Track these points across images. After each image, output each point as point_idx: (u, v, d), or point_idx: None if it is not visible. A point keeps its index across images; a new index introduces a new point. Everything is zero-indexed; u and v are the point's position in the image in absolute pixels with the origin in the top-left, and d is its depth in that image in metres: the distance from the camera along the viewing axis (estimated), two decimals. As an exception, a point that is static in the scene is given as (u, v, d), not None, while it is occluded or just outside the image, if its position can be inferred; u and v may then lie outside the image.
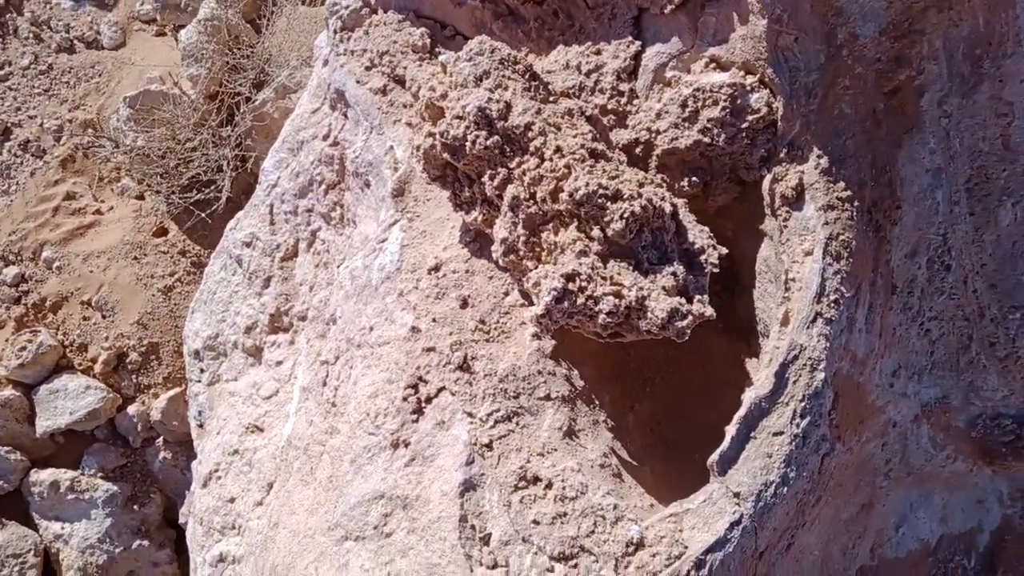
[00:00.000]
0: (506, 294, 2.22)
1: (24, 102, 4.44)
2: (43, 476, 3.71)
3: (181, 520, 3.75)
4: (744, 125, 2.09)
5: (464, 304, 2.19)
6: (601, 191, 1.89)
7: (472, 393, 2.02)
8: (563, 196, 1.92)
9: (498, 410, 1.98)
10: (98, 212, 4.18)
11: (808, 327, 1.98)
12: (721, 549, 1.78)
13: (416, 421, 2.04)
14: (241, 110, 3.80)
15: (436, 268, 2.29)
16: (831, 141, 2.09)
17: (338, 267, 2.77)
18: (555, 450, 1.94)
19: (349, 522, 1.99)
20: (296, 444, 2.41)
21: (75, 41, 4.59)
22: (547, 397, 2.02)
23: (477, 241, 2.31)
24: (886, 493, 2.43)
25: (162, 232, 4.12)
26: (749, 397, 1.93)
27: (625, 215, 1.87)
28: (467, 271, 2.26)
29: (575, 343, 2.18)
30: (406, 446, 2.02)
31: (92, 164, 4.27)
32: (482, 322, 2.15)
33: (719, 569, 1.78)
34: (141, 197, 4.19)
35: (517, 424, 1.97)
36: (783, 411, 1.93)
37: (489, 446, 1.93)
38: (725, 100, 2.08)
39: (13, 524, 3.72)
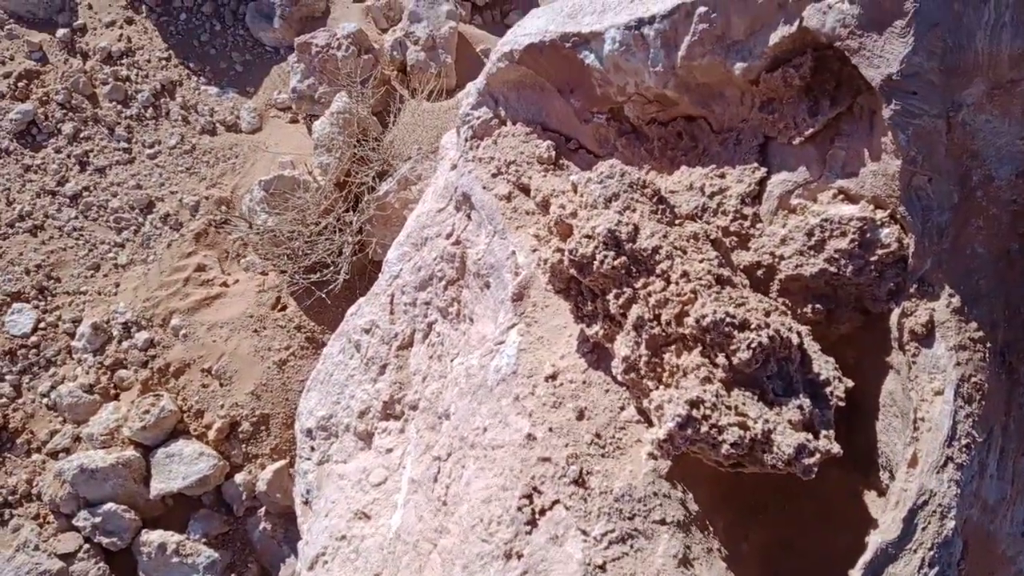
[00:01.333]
0: (622, 408, 2.25)
1: (168, 179, 4.85)
2: (153, 537, 3.89)
3: (276, 592, 3.85)
4: (873, 258, 2.10)
5: (580, 416, 2.23)
6: (728, 319, 1.92)
7: (587, 510, 2.04)
8: (688, 321, 1.96)
9: (613, 531, 1.99)
10: (224, 285, 4.48)
11: (938, 472, 1.93)
12: None
13: (529, 533, 2.07)
14: (365, 199, 4.04)
15: (553, 376, 2.35)
16: (963, 280, 2.07)
17: (452, 361, 2.88)
18: (669, 577, 1.93)
19: (459, 629, 2.01)
20: (405, 539, 2.47)
21: (217, 124, 5.02)
22: (662, 521, 2.02)
23: (594, 352, 2.37)
24: (1017, 648, 2.27)
25: (281, 307, 4.36)
26: (875, 541, 1.88)
27: (752, 345, 1.90)
28: (584, 382, 2.31)
29: (690, 464, 2.18)
30: (519, 558, 2.04)
31: (223, 239, 4.60)
32: (598, 436, 2.19)
33: None
34: (265, 273, 4.47)
35: (631, 547, 1.98)
36: (911, 559, 1.86)
37: (603, 568, 1.94)
38: (854, 232, 2.09)
39: (122, 580, 3.90)
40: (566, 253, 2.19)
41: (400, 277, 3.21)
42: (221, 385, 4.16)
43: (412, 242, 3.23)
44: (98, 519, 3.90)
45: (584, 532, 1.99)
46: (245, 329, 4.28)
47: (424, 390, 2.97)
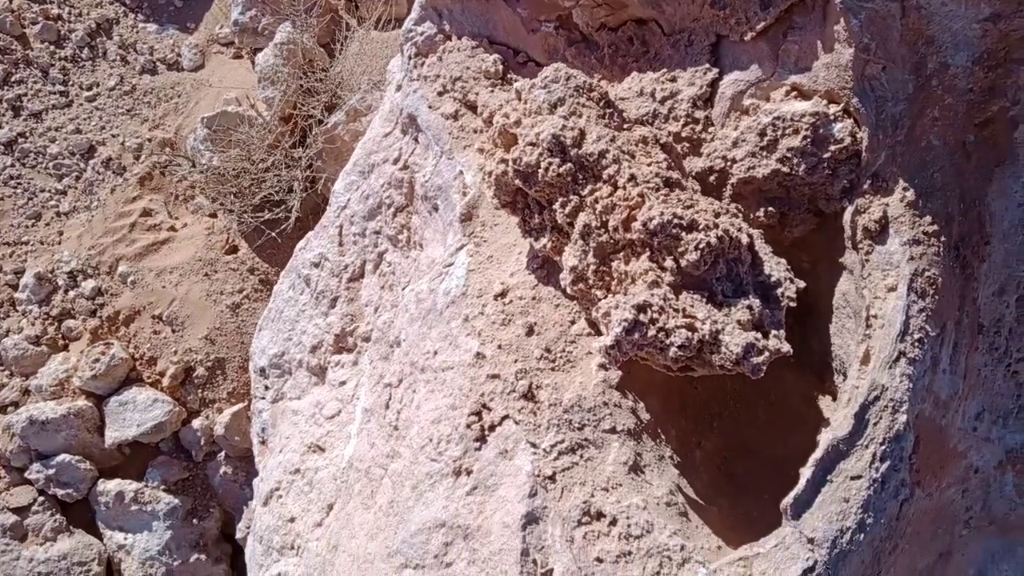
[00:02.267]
0: (573, 322, 2.19)
1: (108, 122, 4.64)
2: (110, 486, 3.81)
3: (238, 535, 3.81)
4: (826, 155, 2.03)
5: (530, 331, 2.17)
6: (676, 221, 1.85)
7: (536, 423, 1.98)
8: (636, 225, 1.89)
9: (562, 441, 1.94)
10: (172, 229, 4.32)
11: (890, 367, 1.90)
12: (795, 598, 1.70)
13: (479, 449, 2.02)
14: (313, 132, 3.89)
15: (502, 294, 2.27)
16: (918, 173, 2.01)
17: (403, 289, 2.79)
18: (620, 485, 1.89)
19: (409, 549, 1.97)
20: (357, 466, 2.42)
21: (157, 63, 4.79)
22: (612, 430, 1.98)
23: (544, 268, 2.30)
24: (965, 543, 2.30)
25: (233, 250, 4.23)
26: (826, 438, 1.85)
27: (700, 246, 1.83)
28: (534, 298, 2.24)
29: (641, 374, 2.13)
30: (468, 474, 1.99)
31: (169, 182, 4.43)
32: (548, 350, 2.13)
33: (793, 619, 1.70)
34: (214, 215, 4.32)
35: (581, 457, 1.93)
36: (862, 454, 1.84)
37: (552, 478, 1.89)
38: (807, 129, 2.02)
39: (80, 532, 3.82)
40: (510, 163, 2.09)
41: (348, 207, 3.10)
42: (173, 331, 4.04)
43: (359, 170, 3.11)
44: (52, 471, 3.80)
45: (533, 445, 1.94)
46: (196, 273, 4.15)
47: (376, 321, 2.89)
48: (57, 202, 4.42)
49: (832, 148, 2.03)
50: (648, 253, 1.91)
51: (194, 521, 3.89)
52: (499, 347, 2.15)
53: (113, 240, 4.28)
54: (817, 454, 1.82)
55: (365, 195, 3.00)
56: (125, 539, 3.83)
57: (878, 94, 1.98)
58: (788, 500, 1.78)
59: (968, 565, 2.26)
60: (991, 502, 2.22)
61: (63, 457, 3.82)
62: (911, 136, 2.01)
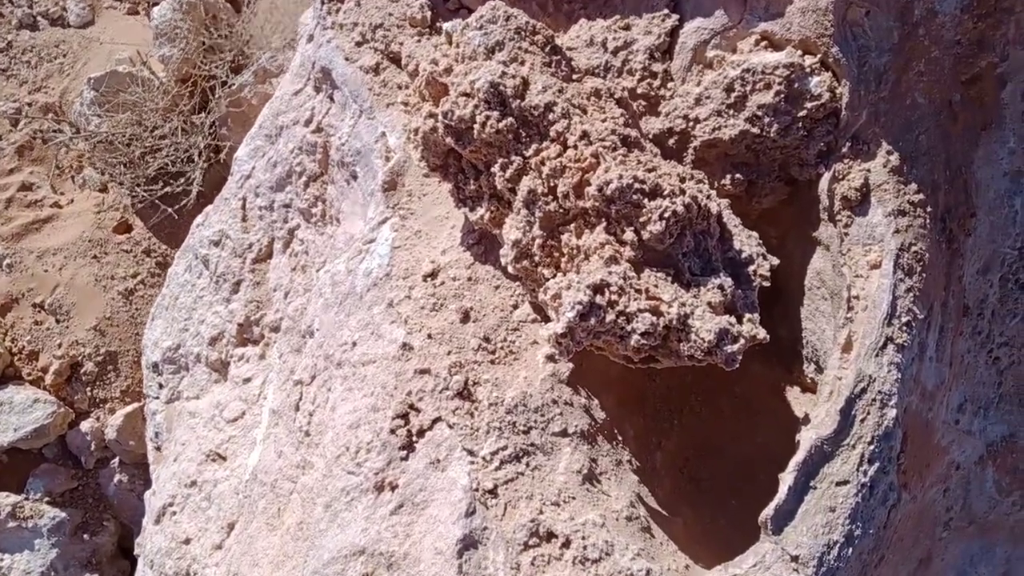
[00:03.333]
0: (515, 307, 1.88)
1: (-21, 84, 4.05)
2: (-19, 499, 3.32)
3: (137, 551, 3.37)
4: (801, 114, 1.78)
5: (465, 318, 1.85)
6: (637, 185, 1.56)
7: (474, 426, 1.67)
8: (590, 191, 1.59)
9: (505, 448, 1.64)
10: (56, 205, 3.80)
11: (877, 355, 1.66)
12: (779, 627, 1.45)
13: (405, 459, 1.69)
14: (216, 95, 3.44)
15: (433, 275, 1.95)
16: (902, 136, 1.78)
17: (317, 271, 2.43)
18: (573, 498, 1.60)
19: (321, 581, 1.63)
20: (262, 479, 2.06)
21: (38, 17, 4.21)
22: (563, 432, 1.69)
23: (482, 244, 1.98)
24: (945, 545, 2.11)
25: (126, 228, 3.74)
26: (808, 438, 1.60)
27: (666, 215, 1.55)
28: (469, 279, 1.92)
29: (596, 367, 1.85)
30: (392, 489, 1.67)
31: (52, 152, 3.89)
32: (486, 340, 1.82)
33: (776, 652, 1.45)
34: (104, 190, 3.81)
35: (527, 465, 1.63)
36: (849, 455, 1.60)
37: (493, 492, 1.59)
38: (779, 83, 1.76)
39: (-55, 553, 3.32)
40: (440, 118, 1.76)
41: (253, 177, 2.70)
42: (57, 321, 3.54)
43: (265, 134, 2.71)
44: (-90, 484, 3.28)
45: (471, 452, 1.63)
46: (83, 256, 3.65)
47: (287, 308, 2.51)
48: (-84, 174, 3.83)
49: (808, 105, 1.78)
50: (604, 224, 1.61)
51: (84, 536, 3.43)
52: (429, 337, 1.83)
53: (-15, 218, 3.73)
54: (799, 457, 1.58)
55: (272, 162, 2.61)
56: (1, 561, 3.34)
57: (860, 43, 1.74)
58: (768, 512, 1.53)
59: (947, 569, 2.07)
60: (971, 500, 2.04)
61: (-77, 468, 3.30)
62: (895, 92, 1.78)
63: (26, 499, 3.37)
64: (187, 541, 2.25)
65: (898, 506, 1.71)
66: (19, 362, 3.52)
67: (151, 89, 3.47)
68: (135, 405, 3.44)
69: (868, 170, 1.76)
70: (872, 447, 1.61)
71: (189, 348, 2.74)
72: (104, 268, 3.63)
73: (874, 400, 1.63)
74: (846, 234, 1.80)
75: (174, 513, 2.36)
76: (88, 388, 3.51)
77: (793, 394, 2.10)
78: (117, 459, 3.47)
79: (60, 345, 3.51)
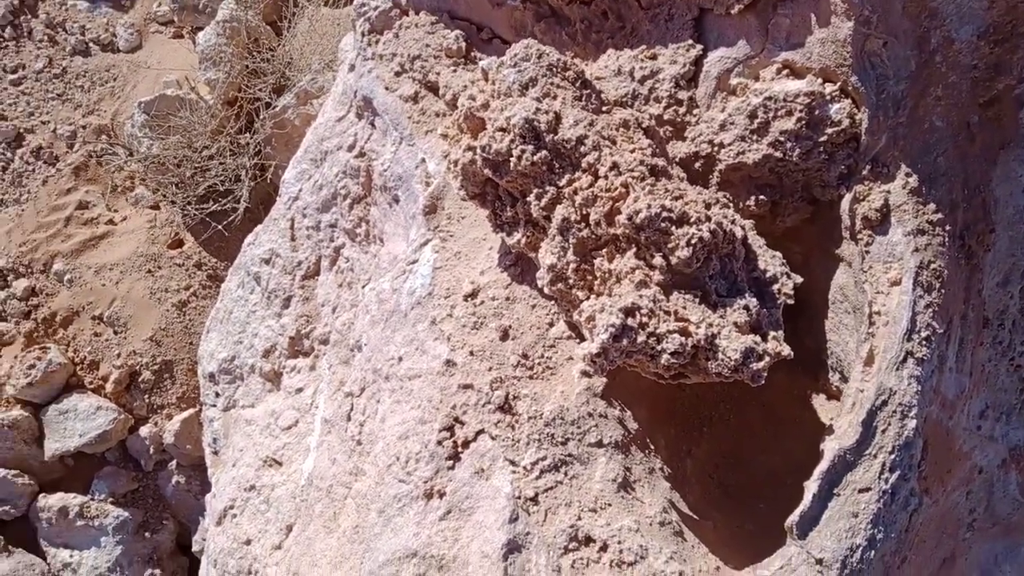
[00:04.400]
0: (551, 325, 2.01)
1: (37, 107, 4.28)
2: (51, 501, 3.54)
3: (195, 548, 3.57)
4: (822, 139, 1.87)
5: (505, 336, 1.98)
6: (665, 214, 1.67)
7: (515, 438, 1.80)
8: (620, 219, 1.70)
9: (544, 458, 1.76)
10: (111, 222, 4.01)
11: (898, 368, 1.75)
12: (804, 626, 1.55)
13: (452, 468, 1.83)
14: (260, 116, 3.61)
15: (473, 295, 2.08)
16: (921, 158, 1.86)
17: (363, 288, 2.57)
18: (609, 505, 1.73)
19: (377, 581, 1.78)
20: (318, 484, 2.21)
21: (90, 44, 4.43)
22: (599, 443, 1.81)
23: (518, 265, 2.10)
24: (968, 546, 2.19)
25: (177, 244, 3.94)
26: (831, 448, 1.70)
27: (692, 241, 1.65)
28: (507, 298, 2.05)
29: (628, 380, 1.96)
30: (441, 497, 1.80)
31: (106, 172, 4.11)
32: (525, 356, 1.94)
33: (801, 649, 1.55)
34: (156, 207, 4.02)
35: (566, 475, 1.76)
36: (871, 464, 1.70)
37: (535, 500, 1.72)
38: (801, 110, 1.85)
39: (20, 552, 3.55)
40: (478, 151, 1.88)
41: (300, 199, 2.85)
42: (115, 333, 3.76)
43: (311, 158, 2.86)
44: (-14, 488, 3.52)
45: (512, 462, 1.76)
46: (138, 270, 3.86)
47: (334, 322, 2.66)
48: (-18, 195, 4.07)
49: (828, 131, 1.87)
50: (634, 250, 1.73)
51: (146, 535, 3.64)
52: (471, 353, 1.96)
53: (47, 235, 3.96)
54: (823, 466, 1.68)
55: (318, 185, 2.76)
56: (71, 556, 3.57)
57: (879, 71, 1.82)
58: (794, 518, 1.63)
59: (970, 569, 2.15)
60: (994, 503, 2.11)
61: (-2, 472, 3.53)
62: (913, 117, 1.86)
63: (92, 499, 3.59)
64: (248, 542, 2.41)
65: (919, 511, 1.80)
66: (81, 372, 3.74)
67: (199, 111, 3.66)
68: (191, 411, 3.64)
69: (888, 191, 1.85)
70: (893, 456, 1.70)
71: (244, 359, 2.91)
72: (158, 281, 3.83)
73: (895, 412, 1.72)
74: (867, 252, 1.88)
75: (235, 516, 2.53)
76: (146, 395, 3.71)
77: (819, 401, 2.19)
78: (174, 462, 3.67)
79: (119, 355, 3.72)
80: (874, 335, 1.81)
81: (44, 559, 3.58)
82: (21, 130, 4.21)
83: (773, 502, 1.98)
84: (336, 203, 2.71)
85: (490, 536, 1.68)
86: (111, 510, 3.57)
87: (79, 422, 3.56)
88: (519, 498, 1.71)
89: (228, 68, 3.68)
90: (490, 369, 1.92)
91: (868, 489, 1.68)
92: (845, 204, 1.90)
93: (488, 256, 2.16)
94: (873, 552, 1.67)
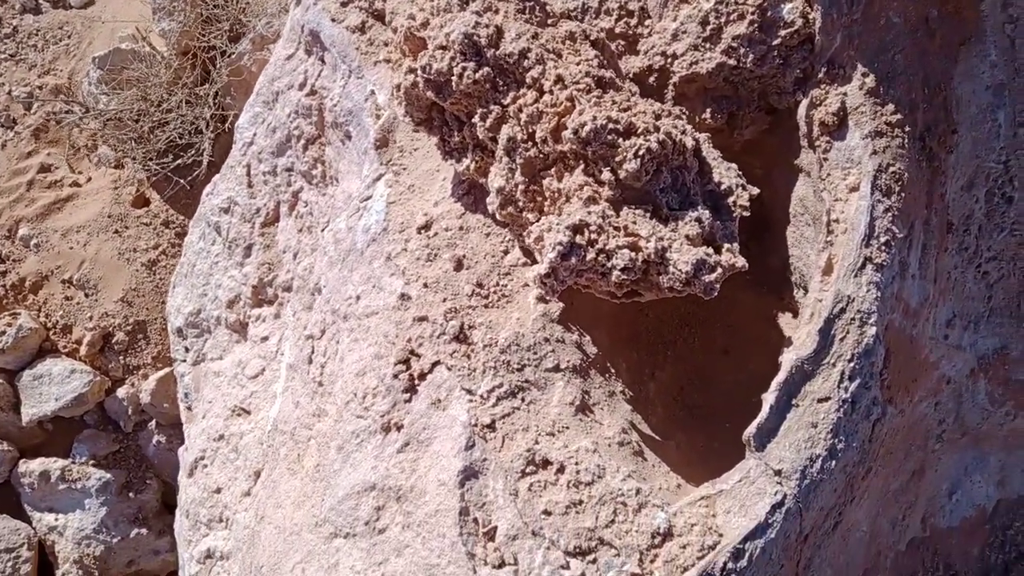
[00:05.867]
0: (505, 252, 1.96)
1: (-9, 70, 4.16)
2: (32, 466, 3.53)
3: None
4: (775, 42, 1.79)
5: (459, 266, 1.93)
6: (611, 126, 1.60)
7: (471, 367, 1.77)
8: (566, 134, 1.64)
9: (500, 385, 1.73)
10: (75, 184, 3.93)
11: (856, 275, 1.71)
12: (762, 535, 1.54)
13: (409, 401, 1.80)
14: (217, 65, 3.50)
15: (426, 226, 2.02)
16: (877, 57, 1.79)
17: (322, 231, 2.52)
18: (567, 428, 1.70)
19: (338, 517, 1.76)
20: (282, 428, 2.19)
21: (40, 2, 4.29)
22: (556, 368, 1.77)
23: (471, 194, 2.04)
24: (938, 457, 2.18)
25: (143, 202, 3.86)
26: (789, 359, 1.67)
27: (640, 153, 1.59)
28: (461, 228, 1.99)
29: (586, 305, 1.92)
30: (398, 430, 1.78)
31: (66, 133, 4.00)
32: (479, 285, 1.89)
33: (760, 558, 1.54)
34: (120, 166, 3.93)
35: (523, 400, 1.72)
36: (829, 373, 1.66)
37: (491, 427, 1.69)
38: (753, 13, 1.78)
39: (5, 517, 3.55)
40: (419, 72, 1.81)
41: (254, 143, 2.77)
42: (86, 295, 3.70)
43: (263, 100, 2.77)
44: (-35, 456, 3.50)
45: (469, 391, 1.73)
46: (105, 231, 3.78)
47: (296, 268, 2.61)
48: (-60, 162, 3.98)
49: (782, 33, 1.79)
50: (582, 166, 1.67)
51: (130, 495, 3.64)
52: (425, 286, 1.91)
53: (9, 201, 3.87)
54: (780, 377, 1.64)
55: (272, 128, 2.68)
56: (56, 520, 3.57)
57: (832, -33, 1.74)
58: (751, 430, 1.61)
59: (941, 480, 2.14)
60: (964, 413, 2.09)
61: (-24, 440, 3.52)
62: (868, 14, 1.78)
63: (73, 463, 3.58)
64: (218, 490, 2.40)
65: (883, 420, 1.77)
66: (54, 336, 3.70)
67: (154, 64, 3.54)
68: (166, 370, 3.60)
69: (844, 94, 1.78)
70: (852, 364, 1.67)
71: (209, 312, 2.86)
72: (126, 242, 3.76)
73: (853, 319, 1.68)
74: (825, 159, 1.82)
75: (205, 466, 2.51)
76: (121, 356, 3.68)
77: (785, 320, 2.15)
78: (154, 421, 3.65)
79: (91, 318, 3.68)
80: (832, 244, 1.76)
81: (29, 523, 3.58)
82: (-25, 94, 4.09)
83: (739, 421, 1.96)
84: (291, 145, 2.63)
85: (447, 464, 1.66)
86: (93, 472, 3.57)
87: (54, 386, 3.53)
88: (475, 426, 1.69)
89: (182, 17, 3.55)
90: (444, 300, 1.88)
91: (827, 399, 1.65)
92: (802, 110, 1.83)
93: (441, 187, 2.10)
94: (834, 462, 1.64)
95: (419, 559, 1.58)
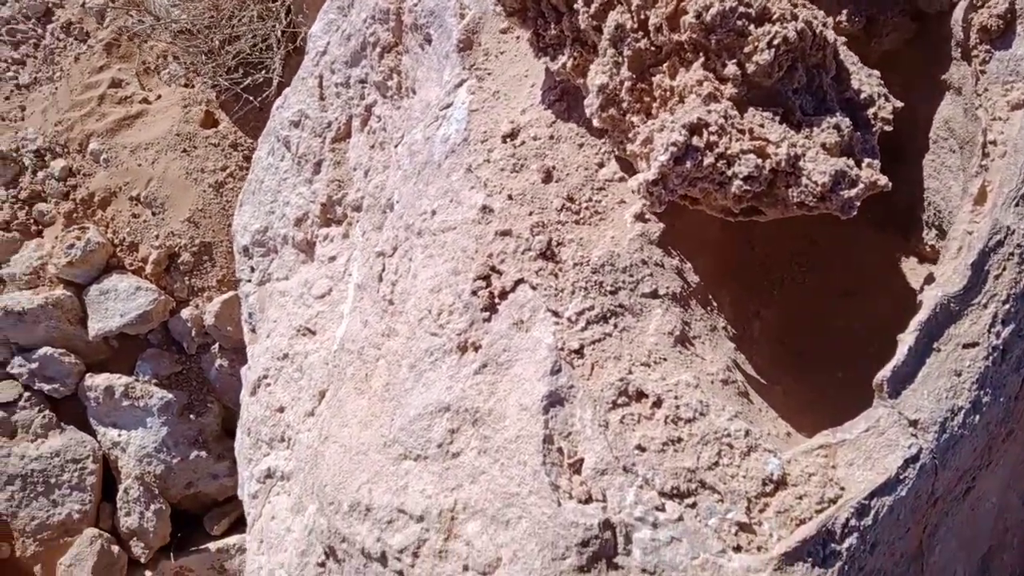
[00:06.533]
0: (601, 165, 1.76)
1: (66, -18, 4.10)
2: (98, 381, 3.54)
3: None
4: (938, -74, 1.53)
5: (548, 178, 1.74)
6: (742, 9, 1.38)
7: (558, 287, 1.59)
8: (687, 19, 1.42)
9: (591, 308, 1.55)
10: (145, 101, 3.86)
11: (1017, 204, 1.46)
12: (891, 492, 1.34)
13: (488, 320, 1.63)
14: (290, -23, 3.35)
15: (512, 135, 1.84)
16: (1063, -54, 1.50)
17: (395, 147, 2.36)
18: (664, 359, 1.51)
19: (408, 438, 1.62)
20: (349, 347, 2.06)
21: (116, -88, 4.18)
22: (653, 294, 1.58)
23: (564, 100, 1.84)
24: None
25: (212, 123, 3.77)
26: (932, 296, 1.44)
27: (775, 42, 1.37)
28: (551, 137, 1.80)
29: (689, 228, 1.71)
30: (476, 350, 1.62)
31: (137, 48, 3.93)
32: (570, 199, 1.71)
33: (887, 518, 1.34)
34: (189, 84, 3.84)
35: (615, 326, 1.54)
36: (979, 315, 1.43)
37: (580, 352, 1.51)
38: None
39: (71, 429, 3.58)
40: (517, -47, 1.60)
41: (328, 52, 2.62)
42: (153, 214, 3.66)
43: (338, 6, 2.61)
44: (35, 364, 3.52)
45: (555, 313, 1.55)
46: (173, 150, 3.71)
47: (367, 186, 2.46)
48: (16, 73, 3.95)
49: (947, -84, 1.52)
50: (703, 59, 1.45)
51: (191, 417, 3.63)
52: (510, 198, 1.73)
53: (81, 114, 3.83)
54: (921, 316, 1.42)
55: (346, 35, 2.51)
56: (119, 436, 3.59)
57: None
58: (884, 374, 1.39)
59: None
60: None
61: (45, 350, 3.53)
62: None
63: (136, 380, 3.57)
64: (281, 409, 2.31)
65: (1033, 375, 1.53)
66: (121, 253, 3.67)
67: (227, -26, 3.41)
68: (231, 293, 3.55)
69: (1016, -8, 1.51)
70: (1007, 307, 1.43)
71: (276, 230, 2.75)
72: (194, 162, 3.69)
73: (1012, 255, 1.44)
74: (983, 72, 1.56)
75: (268, 384, 2.42)
76: (186, 277, 3.63)
77: (909, 265, 1.91)
78: (217, 345, 3.62)
79: (157, 236, 3.63)
80: (987, 168, 1.51)
81: (95, 437, 3.61)
82: (50, 4, 4.04)
83: (853, 370, 1.74)
84: (365, 54, 2.46)
85: (529, 388, 1.49)
86: (156, 391, 3.56)
87: (119, 302, 3.51)
88: (562, 350, 1.51)
89: (256, -74, 3.40)
90: (531, 214, 1.69)
91: (975, 344, 1.42)
92: (958, 13, 1.57)
93: (530, 94, 1.90)
94: (977, 417, 1.42)
95: (496, 487, 1.43)
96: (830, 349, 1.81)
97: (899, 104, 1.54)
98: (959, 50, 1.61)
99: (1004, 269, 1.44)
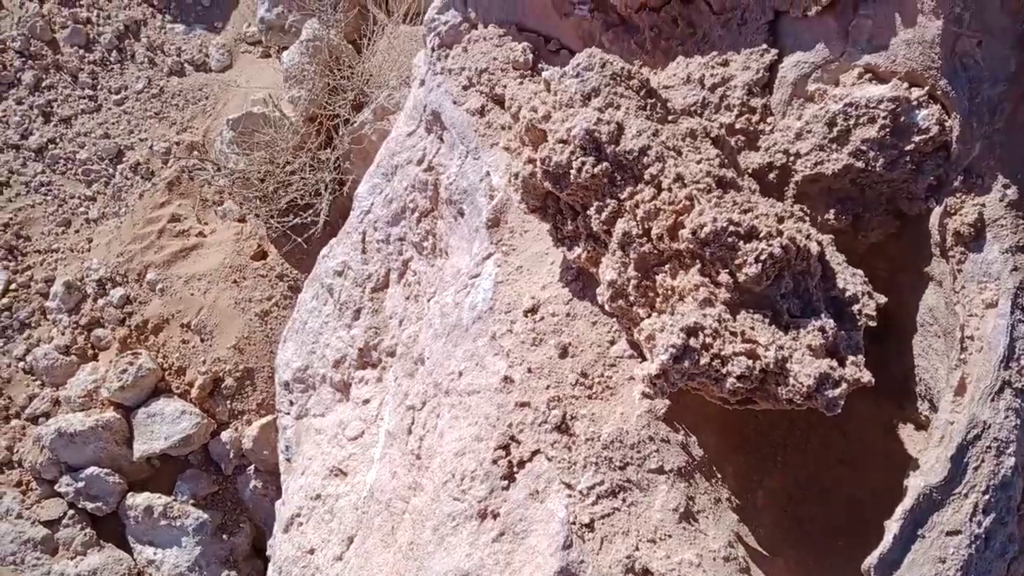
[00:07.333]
0: (612, 343, 1.94)
1: (137, 125, 4.54)
2: (139, 500, 3.70)
3: (269, 552, 3.65)
4: (908, 147, 1.73)
5: (564, 353, 1.92)
6: (732, 228, 1.58)
7: (571, 460, 1.74)
8: (684, 233, 1.62)
9: (601, 483, 1.69)
10: (201, 235, 4.19)
11: (993, 399, 1.59)
12: None
13: (507, 488, 1.78)
14: (340, 132, 3.70)
15: (533, 310, 2.03)
16: (1021, 168, 1.69)
17: (428, 300, 2.57)
18: (669, 536, 1.64)
19: (429, 601, 1.75)
20: (379, 497, 2.21)
21: (185, 64, 4.67)
22: (660, 470, 1.72)
23: (579, 280, 2.05)
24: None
25: (261, 256, 4.08)
26: (916, 485, 1.56)
27: (762, 257, 1.55)
28: (568, 315, 1.99)
29: (692, 403, 1.87)
30: (494, 518, 1.76)
31: (197, 187, 4.30)
32: (584, 375, 1.88)
33: None
34: (242, 220, 4.17)
35: (624, 501, 1.68)
36: (960, 504, 1.54)
37: (590, 526, 1.65)
38: (884, 117, 1.72)
39: (110, 546, 3.73)
40: (538, 163, 1.84)
41: (371, 212, 2.89)
42: (202, 340, 3.91)
43: (383, 172, 2.90)
44: (81, 484, 3.71)
45: (568, 486, 1.70)
46: (224, 280, 4.01)
47: (401, 334, 2.67)
48: (86, 208, 4.34)
49: (915, 139, 1.73)
50: (699, 266, 1.64)
51: (224, 536, 3.76)
52: (529, 371, 1.91)
53: (142, 247, 4.17)
54: (906, 504, 1.54)
55: (389, 199, 2.79)
56: (155, 554, 3.72)
57: (971, 74, 1.67)
58: (872, 560, 1.50)
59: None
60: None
61: (92, 470, 3.72)
62: (1012, 123, 1.70)
63: (175, 500, 3.73)
64: (311, 551, 2.44)
65: (1021, 560, 1.62)
66: (169, 377, 3.91)
67: (282, 129, 3.78)
68: (269, 417, 3.74)
69: (983, 204, 1.69)
70: (987, 497, 1.54)
71: (316, 369, 2.96)
72: (243, 292, 3.97)
73: (989, 447, 1.56)
74: (959, 271, 1.73)
75: (301, 524, 2.56)
76: (228, 401, 3.84)
77: (906, 432, 2.02)
78: (253, 466, 3.78)
79: (204, 362, 3.87)
80: (966, 362, 1.66)
81: (131, 555, 3.75)
82: (122, 147, 4.47)
83: (853, 539, 1.84)
84: (405, 216, 2.72)
85: (542, 562, 1.62)
86: (192, 511, 3.71)
87: (165, 425, 3.72)
88: (574, 524, 1.65)
89: (310, 86, 3.79)
90: (548, 387, 1.87)
91: (958, 532, 1.52)
92: (934, 218, 1.75)
93: (550, 271, 2.11)
94: (963, 602, 1.51)
95: (510, 661, 1.54)
96: (831, 517, 1.91)
97: (882, 300, 1.71)
98: (938, 249, 1.78)
99: (982, 461, 1.56)
